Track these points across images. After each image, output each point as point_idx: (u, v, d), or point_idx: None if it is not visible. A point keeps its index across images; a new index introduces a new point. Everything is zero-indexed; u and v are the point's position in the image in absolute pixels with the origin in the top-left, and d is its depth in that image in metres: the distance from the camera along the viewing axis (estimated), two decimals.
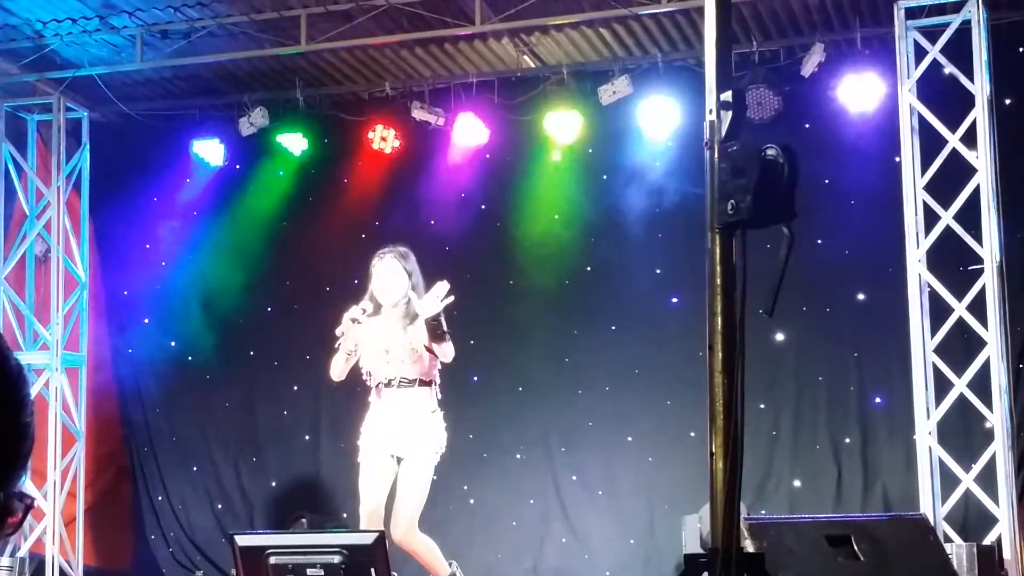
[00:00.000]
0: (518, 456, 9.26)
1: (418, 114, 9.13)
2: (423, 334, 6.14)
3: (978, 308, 7.52)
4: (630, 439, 9.09)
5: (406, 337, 6.21)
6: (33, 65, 9.02)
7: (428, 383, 6.27)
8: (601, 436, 9.12)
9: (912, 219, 7.71)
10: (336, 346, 6.32)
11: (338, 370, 6.38)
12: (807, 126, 8.69)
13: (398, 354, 6.23)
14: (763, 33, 8.60)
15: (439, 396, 6.34)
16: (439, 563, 6.32)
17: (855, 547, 4.46)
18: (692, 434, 8.56)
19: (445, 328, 6.12)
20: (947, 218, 7.66)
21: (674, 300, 8.91)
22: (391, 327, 6.27)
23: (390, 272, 6.30)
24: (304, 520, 8.81)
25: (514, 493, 9.23)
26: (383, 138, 9.26)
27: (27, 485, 9.05)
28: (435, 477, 6.38)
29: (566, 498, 9.20)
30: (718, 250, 3.10)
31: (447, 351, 6.19)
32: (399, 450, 6.28)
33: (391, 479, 6.32)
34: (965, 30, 7.69)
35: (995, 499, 7.36)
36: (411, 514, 6.26)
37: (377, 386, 6.31)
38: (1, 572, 8.73)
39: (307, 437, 9.72)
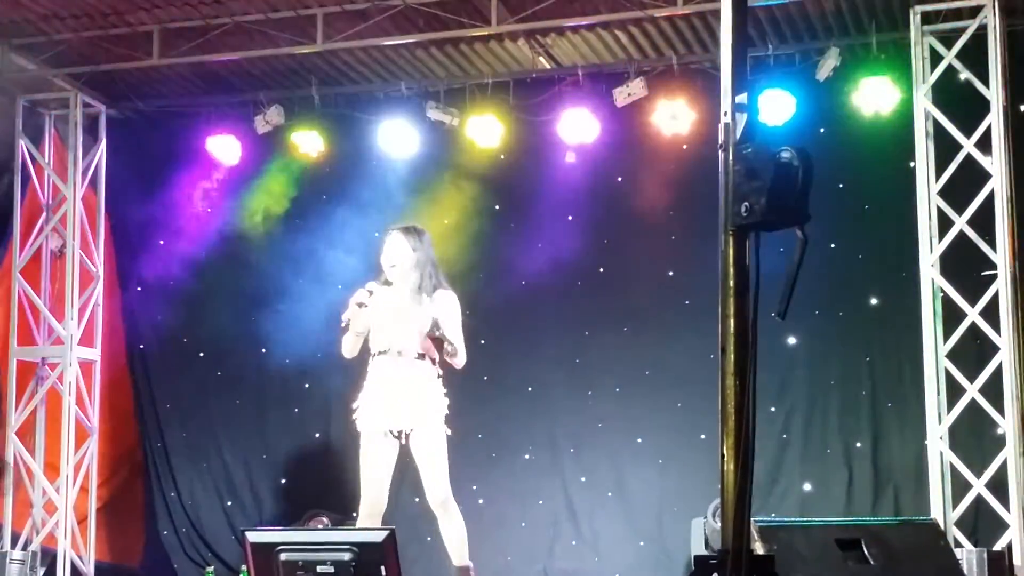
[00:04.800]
0: (527, 457, 9.27)
1: (433, 114, 9.14)
2: (440, 315, 6.22)
3: (991, 314, 7.52)
4: (640, 441, 9.09)
5: (415, 312, 6.23)
6: (51, 61, 9.06)
7: (430, 358, 6.28)
8: (611, 437, 9.13)
9: (926, 224, 7.71)
10: (343, 326, 6.31)
11: (348, 348, 6.41)
12: (822, 130, 8.68)
13: (403, 326, 6.23)
14: (779, 37, 8.60)
15: (439, 372, 6.33)
16: (461, 550, 6.29)
17: (865, 551, 4.46)
18: (702, 436, 8.56)
19: (450, 340, 6.19)
20: (961, 223, 7.65)
21: (686, 302, 8.90)
22: (400, 299, 6.29)
23: (395, 247, 6.36)
24: (325, 520, 8.81)
25: (523, 494, 9.23)
26: (396, 138, 9.26)
27: (41, 479, 9.11)
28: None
29: (575, 500, 9.20)
30: (731, 252, 3.10)
31: (455, 361, 6.30)
32: (402, 422, 6.24)
33: (392, 464, 6.31)
34: (981, 36, 7.69)
35: (1006, 505, 7.36)
36: (441, 482, 6.23)
37: (375, 355, 6.31)
38: (13, 566, 8.76)
39: (317, 435, 9.74)
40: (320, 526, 8.75)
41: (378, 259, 6.42)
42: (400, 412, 6.24)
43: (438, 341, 6.17)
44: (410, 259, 6.32)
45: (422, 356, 6.25)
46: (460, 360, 6.31)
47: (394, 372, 6.26)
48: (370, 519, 6.31)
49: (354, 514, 9.08)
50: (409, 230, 6.44)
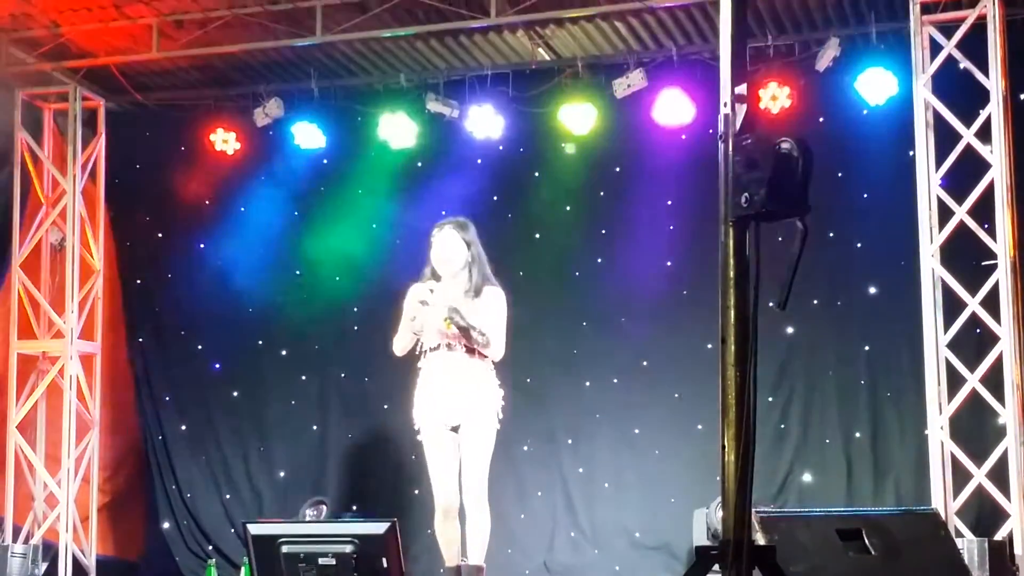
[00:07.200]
0: (525, 448, 9.25)
1: (433, 106, 9.14)
2: (485, 311, 6.18)
3: (991, 303, 7.51)
4: (637, 432, 9.09)
5: (466, 308, 6.17)
6: (49, 54, 9.05)
7: (465, 347, 6.21)
8: (608, 429, 9.12)
9: (926, 214, 7.70)
10: (402, 326, 6.28)
11: (402, 347, 6.35)
12: (821, 120, 8.67)
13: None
14: (778, 27, 8.59)
15: (492, 367, 6.29)
16: (480, 549, 6.24)
17: (866, 541, 4.46)
18: (699, 427, 8.57)
19: (479, 329, 6.13)
20: (961, 213, 7.65)
21: (685, 293, 8.89)
22: (451, 296, 6.22)
23: (449, 243, 6.31)
24: (324, 505, 8.82)
25: (522, 487, 9.22)
26: (395, 129, 9.25)
27: (42, 473, 9.11)
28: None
29: (573, 491, 9.17)
30: (731, 243, 3.10)
31: (490, 353, 6.23)
32: (456, 417, 6.21)
33: (458, 459, 6.26)
34: (980, 25, 7.67)
35: (1007, 494, 7.36)
36: (481, 478, 6.21)
37: (428, 351, 6.24)
38: (14, 560, 8.76)
39: (315, 427, 9.73)
40: (318, 510, 8.75)
41: (428, 253, 6.36)
42: (456, 407, 6.21)
43: (464, 330, 6.12)
44: (463, 256, 6.30)
45: (471, 351, 6.19)
46: (494, 352, 6.24)
47: (447, 368, 6.22)
48: (446, 518, 6.31)
49: (353, 507, 9.17)
50: (461, 225, 6.38)
